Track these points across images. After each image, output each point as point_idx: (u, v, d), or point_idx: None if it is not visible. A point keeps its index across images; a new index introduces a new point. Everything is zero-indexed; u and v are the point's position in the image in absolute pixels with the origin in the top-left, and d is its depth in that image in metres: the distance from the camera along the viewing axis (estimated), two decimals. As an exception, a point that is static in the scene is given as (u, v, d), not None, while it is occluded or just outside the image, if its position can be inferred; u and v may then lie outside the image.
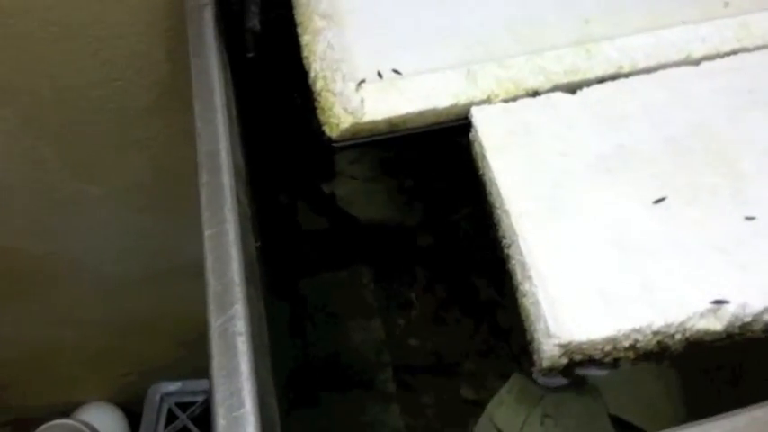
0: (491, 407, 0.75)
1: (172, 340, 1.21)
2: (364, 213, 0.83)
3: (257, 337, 0.47)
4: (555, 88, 0.59)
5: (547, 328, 0.45)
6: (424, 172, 0.78)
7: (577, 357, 0.46)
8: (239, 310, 0.45)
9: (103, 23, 0.73)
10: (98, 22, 0.73)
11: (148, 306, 1.16)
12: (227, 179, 0.52)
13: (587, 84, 0.60)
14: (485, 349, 0.85)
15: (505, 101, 0.59)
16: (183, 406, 1.21)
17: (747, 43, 0.62)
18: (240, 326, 0.45)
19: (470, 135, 0.58)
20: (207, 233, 0.49)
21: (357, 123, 0.58)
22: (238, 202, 0.51)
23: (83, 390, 1.30)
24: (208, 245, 0.49)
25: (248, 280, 0.48)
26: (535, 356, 0.47)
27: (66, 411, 1.27)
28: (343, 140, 0.60)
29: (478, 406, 0.77)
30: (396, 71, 0.61)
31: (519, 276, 0.50)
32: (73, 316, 1.14)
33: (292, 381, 0.74)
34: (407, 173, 0.80)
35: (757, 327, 0.47)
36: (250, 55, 0.67)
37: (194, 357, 1.16)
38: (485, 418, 0.73)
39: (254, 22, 0.65)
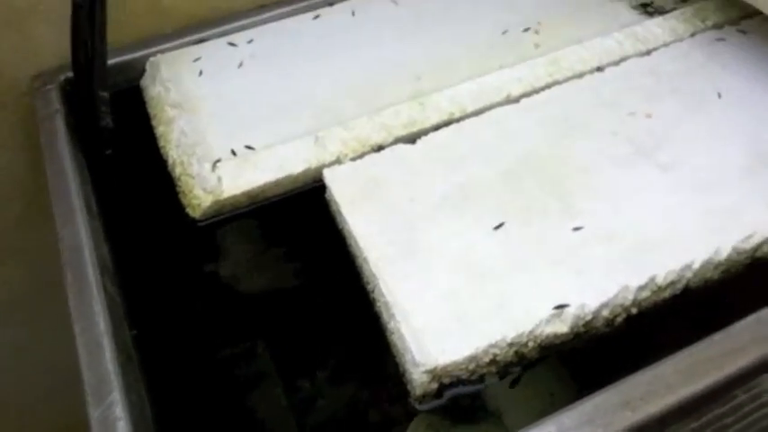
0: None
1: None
2: (252, 286, 0.84)
3: (140, 421, 0.47)
4: (396, 141, 0.65)
5: (413, 358, 0.49)
6: (302, 236, 0.81)
7: (446, 380, 0.49)
8: (117, 397, 0.46)
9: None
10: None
11: (46, 427, 1.11)
12: (92, 274, 0.53)
13: (425, 133, 0.65)
14: (394, 396, 0.87)
15: (353, 159, 0.63)
16: None
17: (558, 76, 0.69)
18: (119, 411, 0.46)
19: (326, 195, 0.62)
20: (77, 329, 0.50)
21: (217, 200, 0.61)
22: (106, 293, 0.52)
23: None
24: (79, 340, 0.50)
25: (124, 367, 0.49)
26: (409, 386, 0.50)
27: None
28: (206, 219, 0.62)
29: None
30: (249, 147, 0.65)
31: (385, 316, 0.53)
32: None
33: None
34: (286, 239, 0.83)
35: (599, 323, 0.52)
36: (108, 152, 0.69)
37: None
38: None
39: (106, 121, 0.67)
